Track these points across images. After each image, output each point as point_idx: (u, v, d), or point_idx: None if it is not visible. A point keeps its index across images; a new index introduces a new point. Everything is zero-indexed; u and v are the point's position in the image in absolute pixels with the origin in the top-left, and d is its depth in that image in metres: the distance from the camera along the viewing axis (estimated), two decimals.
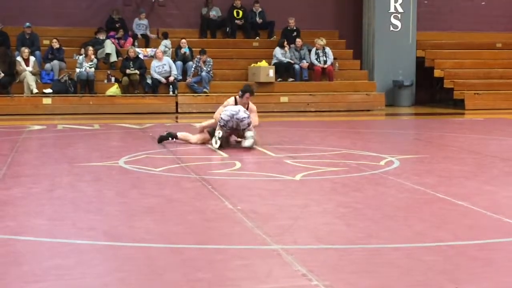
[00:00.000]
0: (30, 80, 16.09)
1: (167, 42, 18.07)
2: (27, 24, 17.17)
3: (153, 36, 18.91)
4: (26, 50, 16.43)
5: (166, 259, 4.31)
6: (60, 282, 3.85)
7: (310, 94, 17.68)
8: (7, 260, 4.25)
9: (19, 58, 16.46)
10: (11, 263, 4.18)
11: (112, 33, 18.25)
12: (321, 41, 18.38)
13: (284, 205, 5.93)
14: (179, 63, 17.49)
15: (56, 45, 17.13)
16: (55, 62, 16.91)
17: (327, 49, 18.47)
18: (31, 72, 16.29)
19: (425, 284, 3.84)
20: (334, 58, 18.65)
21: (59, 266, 4.12)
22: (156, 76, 16.88)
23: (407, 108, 18.92)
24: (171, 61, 17.15)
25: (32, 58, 16.56)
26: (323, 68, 18.31)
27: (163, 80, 16.90)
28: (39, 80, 16.59)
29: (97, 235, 4.88)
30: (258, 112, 10.18)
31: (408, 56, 19.62)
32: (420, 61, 19.94)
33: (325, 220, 5.39)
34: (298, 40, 18.61)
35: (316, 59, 18.36)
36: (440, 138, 11.69)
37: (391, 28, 19.63)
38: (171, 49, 17.94)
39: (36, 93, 16.02)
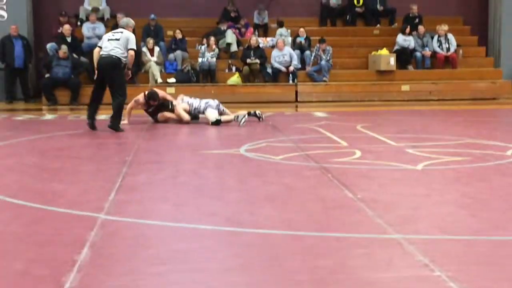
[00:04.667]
0: (155, 70, 16.58)
1: (282, 30, 18.14)
2: (152, 16, 17.69)
3: (273, 25, 19.01)
4: (151, 41, 16.93)
5: (287, 246, 4.35)
6: (184, 266, 3.96)
7: (433, 83, 17.27)
8: (134, 243, 4.42)
9: (144, 49, 16.98)
10: (138, 246, 4.35)
11: (232, 23, 18.49)
12: (444, 27, 17.90)
13: (406, 194, 5.85)
14: (297, 52, 17.50)
15: (179, 35, 17.56)
16: (178, 52, 17.35)
17: (450, 36, 17.95)
18: (155, 62, 16.78)
19: None
20: (458, 45, 18.12)
21: (183, 249, 4.25)
22: (276, 65, 16.99)
23: None
24: (291, 51, 17.18)
25: (156, 49, 17.05)
26: (446, 56, 17.84)
27: (283, 69, 16.98)
28: (163, 70, 17.07)
29: (219, 220, 4.98)
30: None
31: None
32: None
33: (448, 210, 5.27)
34: (420, 27, 18.20)
35: (439, 46, 17.91)
36: None
37: None
38: (288, 38, 17.93)
39: (160, 82, 16.48)
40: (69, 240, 4.46)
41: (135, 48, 10.37)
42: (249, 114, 11.59)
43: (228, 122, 11.10)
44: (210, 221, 4.97)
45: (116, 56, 10.08)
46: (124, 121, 11.04)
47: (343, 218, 5.08)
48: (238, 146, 8.65)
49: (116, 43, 10.14)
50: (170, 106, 11.59)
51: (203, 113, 11.32)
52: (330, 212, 5.25)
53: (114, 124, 10.23)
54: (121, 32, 10.36)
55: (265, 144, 8.94)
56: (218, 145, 9.24)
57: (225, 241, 4.54)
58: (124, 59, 10.19)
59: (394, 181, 6.48)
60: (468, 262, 3.98)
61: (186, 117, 11.27)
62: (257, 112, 11.81)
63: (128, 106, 11.43)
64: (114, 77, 10.17)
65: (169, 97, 11.92)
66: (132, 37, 10.37)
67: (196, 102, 11.50)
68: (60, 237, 4.54)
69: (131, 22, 10.82)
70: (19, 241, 4.49)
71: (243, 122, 10.82)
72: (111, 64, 10.08)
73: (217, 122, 10.98)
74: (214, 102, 11.47)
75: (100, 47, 10.34)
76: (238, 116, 10.98)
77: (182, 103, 11.52)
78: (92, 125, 10.38)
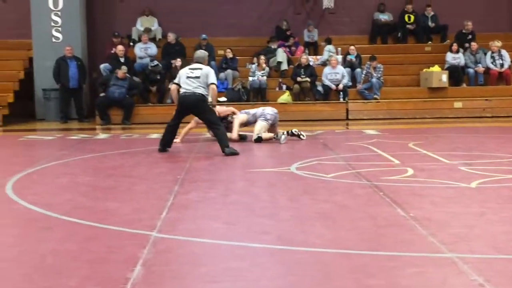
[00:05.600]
0: None
1: (330, 47, 18.14)
2: (203, 36, 17.86)
3: (322, 44, 19.01)
4: None
5: (338, 264, 4.32)
6: (236, 283, 3.97)
7: (486, 99, 17.01)
8: (186, 261, 4.44)
9: None
10: (190, 264, 4.37)
11: (283, 42, 18.57)
12: (497, 43, 17.66)
13: (459, 212, 5.76)
14: (348, 69, 17.45)
15: (229, 55, 17.70)
16: (229, 71, 17.48)
17: (504, 52, 17.69)
18: None
19: None
20: None
21: (235, 268, 4.25)
22: (327, 82, 16.96)
23: None
24: (344, 70, 17.12)
25: None
26: (499, 72, 17.58)
27: (333, 87, 16.94)
28: None
29: (270, 239, 4.98)
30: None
31: None
32: None
33: (503, 229, 5.17)
34: (473, 43, 17.98)
35: (492, 62, 17.67)
36: None
37: None
38: (337, 55, 17.88)
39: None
40: (121, 258, 4.51)
41: (215, 82, 10.26)
42: (287, 133, 11.69)
43: (268, 139, 11.19)
44: (261, 239, 4.97)
45: (200, 93, 9.99)
46: (177, 140, 11.13)
47: (395, 236, 5.02)
48: (289, 164, 8.65)
49: (197, 81, 9.99)
50: (228, 118, 11.83)
51: (255, 122, 11.54)
52: (381, 231, 5.21)
53: (228, 151, 9.76)
54: (200, 69, 10.12)
55: (316, 162, 8.92)
56: (268, 163, 9.25)
57: (276, 260, 4.53)
58: (207, 94, 10.15)
59: (447, 199, 6.39)
60: None
61: (234, 135, 11.33)
62: (293, 130, 11.68)
63: (188, 126, 11.62)
64: (203, 112, 10.16)
65: (230, 112, 11.97)
66: (211, 71, 10.21)
67: (253, 110, 11.81)
68: (113, 255, 4.59)
69: (206, 54, 10.66)
70: (72, 259, 4.55)
71: (284, 140, 11.03)
72: (197, 101, 10.01)
73: (258, 139, 11.16)
74: (272, 110, 11.66)
75: (177, 84, 10.18)
76: (277, 134, 11.17)
77: (241, 114, 11.71)
78: (162, 151, 10.19)
